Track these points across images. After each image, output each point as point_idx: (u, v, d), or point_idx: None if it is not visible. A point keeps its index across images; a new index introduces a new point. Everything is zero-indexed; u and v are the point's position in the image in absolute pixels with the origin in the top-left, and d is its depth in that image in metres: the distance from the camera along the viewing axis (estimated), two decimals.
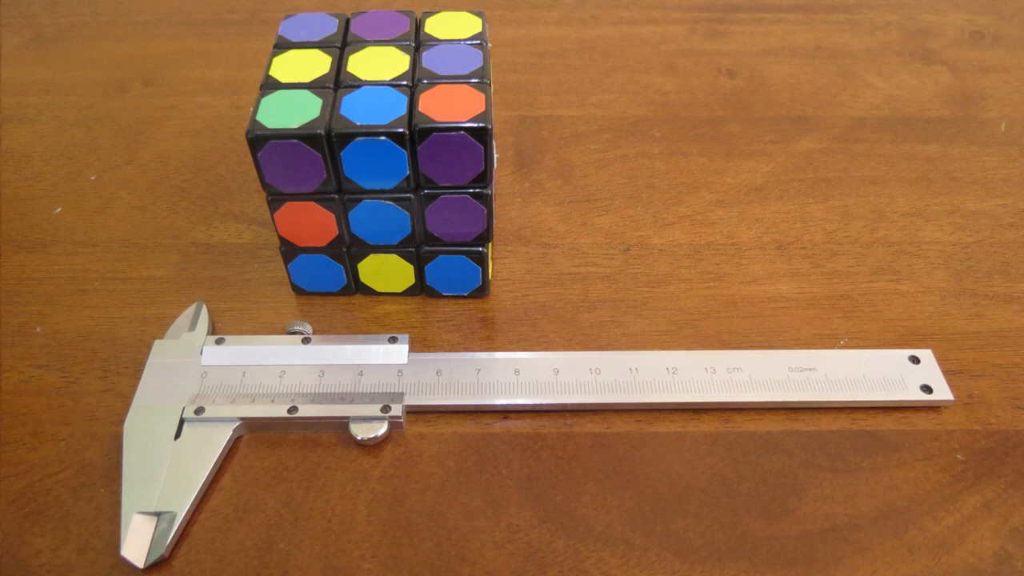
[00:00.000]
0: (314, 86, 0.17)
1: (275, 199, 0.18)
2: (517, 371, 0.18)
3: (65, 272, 0.21)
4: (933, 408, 0.18)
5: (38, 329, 0.19)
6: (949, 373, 0.18)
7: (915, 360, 0.18)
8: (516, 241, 0.22)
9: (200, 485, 0.16)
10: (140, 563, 0.15)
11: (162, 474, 0.16)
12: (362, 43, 0.19)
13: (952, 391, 0.18)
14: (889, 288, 0.20)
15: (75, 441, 0.17)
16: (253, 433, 0.17)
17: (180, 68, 0.28)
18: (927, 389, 0.18)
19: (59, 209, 0.23)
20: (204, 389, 0.17)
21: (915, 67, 0.28)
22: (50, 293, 0.20)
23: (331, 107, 0.17)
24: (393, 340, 0.18)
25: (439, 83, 0.18)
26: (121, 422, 0.17)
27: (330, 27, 0.19)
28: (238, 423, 0.17)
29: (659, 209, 0.23)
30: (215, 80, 0.27)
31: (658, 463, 0.17)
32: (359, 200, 0.18)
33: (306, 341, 0.18)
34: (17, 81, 0.27)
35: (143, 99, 0.27)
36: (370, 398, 0.17)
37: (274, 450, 0.17)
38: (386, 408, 0.17)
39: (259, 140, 0.16)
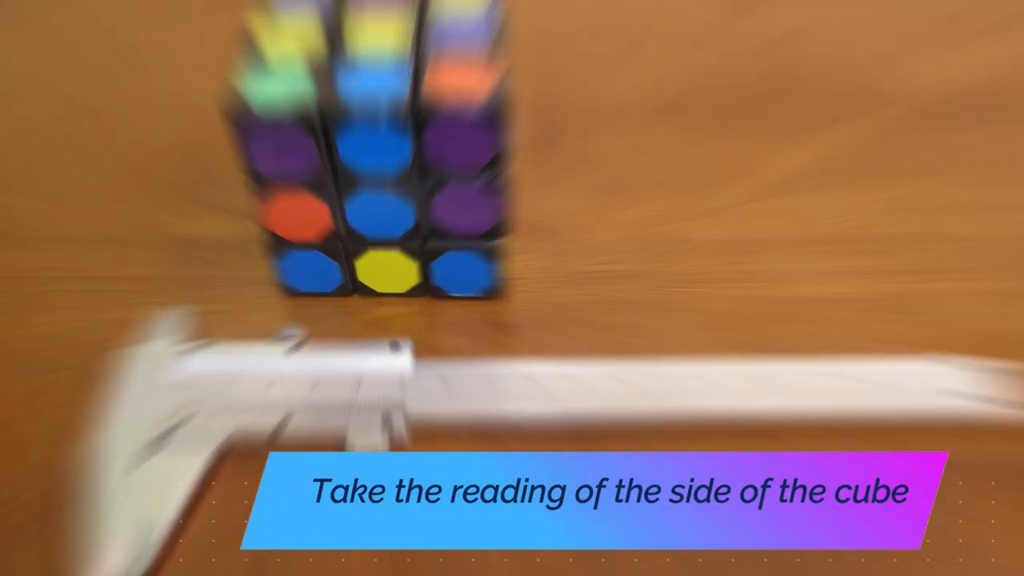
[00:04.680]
0: (306, 61, 0.16)
1: (262, 188, 0.16)
2: (535, 382, 0.16)
3: (33, 270, 0.19)
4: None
5: (5, 333, 0.18)
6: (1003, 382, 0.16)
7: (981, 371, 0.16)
8: (531, 236, 0.20)
9: (178, 509, 0.14)
10: None
11: (136, 497, 0.14)
12: (360, 11, 0.17)
13: None
14: (939, 288, 0.18)
15: (42, 460, 0.15)
16: (238, 450, 0.16)
17: (161, 47, 0.26)
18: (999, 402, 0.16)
19: (34, 203, 0.21)
20: (184, 402, 0.16)
21: (978, 42, 0.25)
22: (21, 293, 0.19)
23: (326, 86, 0.15)
24: (395, 347, 0.17)
25: (446, 58, 0.16)
26: (93, 438, 0.15)
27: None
28: (222, 439, 0.15)
29: (692, 200, 0.21)
30: (200, 60, 0.25)
31: None
32: (357, 190, 0.16)
33: (297, 348, 0.17)
34: None
35: (123, 83, 0.25)
36: (369, 411, 0.16)
37: (261, 473, 0.15)
38: (387, 422, 0.15)
39: (244, 122, 0.15)
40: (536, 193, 0.21)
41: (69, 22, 0.27)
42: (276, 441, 0.15)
